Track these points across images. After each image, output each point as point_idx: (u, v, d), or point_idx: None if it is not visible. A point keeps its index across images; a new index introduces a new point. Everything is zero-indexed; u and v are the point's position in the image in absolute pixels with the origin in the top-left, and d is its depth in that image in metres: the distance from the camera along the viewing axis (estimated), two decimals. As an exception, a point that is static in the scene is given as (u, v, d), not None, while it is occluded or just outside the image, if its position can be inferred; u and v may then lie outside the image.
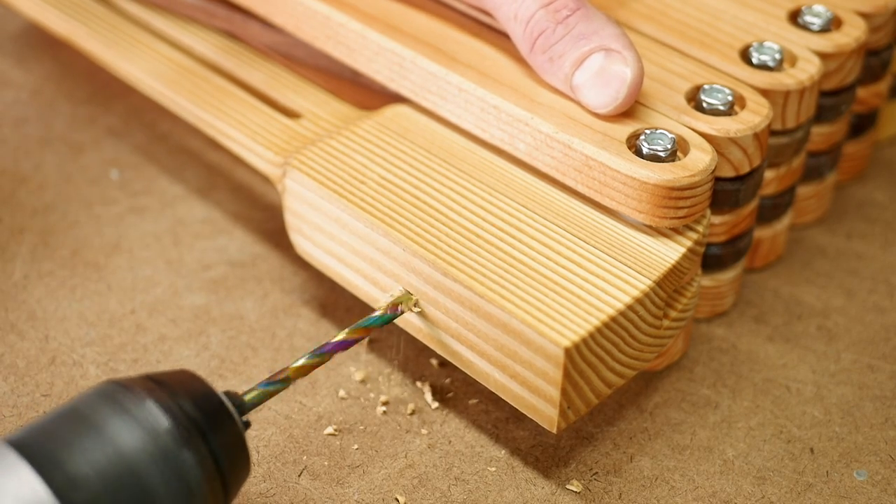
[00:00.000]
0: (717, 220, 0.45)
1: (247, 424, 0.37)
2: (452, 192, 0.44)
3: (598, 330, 0.39)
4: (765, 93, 0.45)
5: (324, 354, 0.40)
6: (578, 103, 0.43)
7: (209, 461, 0.34)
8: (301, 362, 0.39)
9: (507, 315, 0.39)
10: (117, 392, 0.35)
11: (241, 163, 0.55)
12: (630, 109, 0.43)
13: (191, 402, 0.35)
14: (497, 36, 0.47)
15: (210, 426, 0.35)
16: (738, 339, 0.48)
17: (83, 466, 0.33)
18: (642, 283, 0.40)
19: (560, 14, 0.43)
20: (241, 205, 0.54)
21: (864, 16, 0.49)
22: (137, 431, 0.34)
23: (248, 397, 0.38)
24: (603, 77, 0.42)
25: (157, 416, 0.34)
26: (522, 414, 0.42)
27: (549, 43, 0.43)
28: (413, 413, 0.45)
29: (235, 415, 0.36)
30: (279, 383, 0.39)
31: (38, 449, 0.33)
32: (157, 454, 0.34)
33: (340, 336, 0.40)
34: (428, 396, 0.45)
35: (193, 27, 0.55)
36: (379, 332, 0.47)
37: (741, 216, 0.46)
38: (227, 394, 0.37)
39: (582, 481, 0.42)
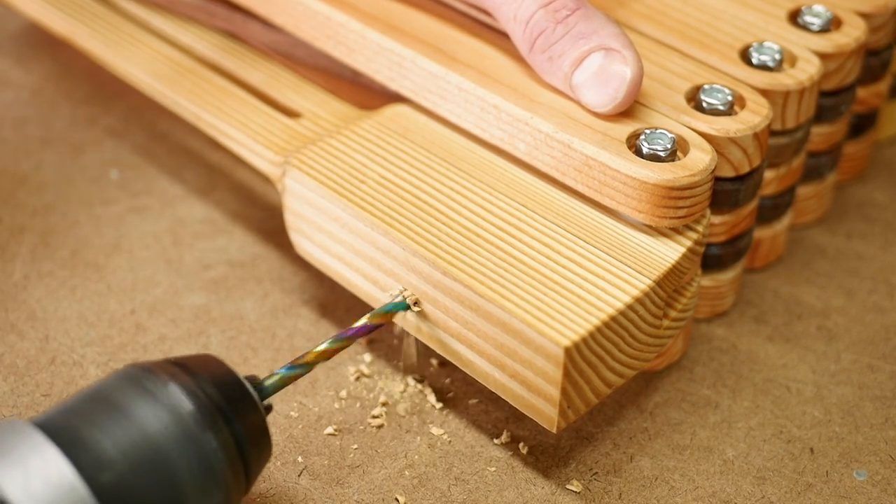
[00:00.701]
0: (717, 220, 0.45)
1: (268, 408, 0.37)
2: (452, 191, 0.44)
3: (598, 329, 0.39)
4: (765, 93, 0.45)
5: (345, 339, 0.40)
6: (578, 103, 0.43)
7: (231, 444, 0.35)
8: (323, 347, 0.40)
9: (506, 314, 0.39)
10: (142, 375, 0.35)
11: (241, 163, 0.55)
12: (630, 109, 0.43)
13: (213, 385, 0.36)
14: (497, 36, 0.47)
15: (232, 409, 0.35)
16: (738, 339, 0.48)
17: (108, 448, 0.33)
18: (642, 283, 0.40)
19: (559, 14, 0.43)
20: (241, 205, 0.54)
21: (864, 16, 0.49)
22: (161, 414, 0.34)
23: (269, 381, 0.38)
24: (602, 76, 0.42)
25: (180, 399, 0.35)
26: (522, 414, 0.42)
27: (549, 42, 0.43)
28: (413, 413, 0.45)
29: (257, 398, 0.37)
30: (300, 367, 0.39)
31: (64, 430, 0.33)
32: (181, 436, 0.34)
33: (363, 321, 0.41)
34: (428, 396, 0.45)
35: (193, 27, 0.55)
36: (379, 332, 0.47)
37: (741, 216, 0.46)
38: (249, 378, 0.37)
39: (582, 481, 0.42)
